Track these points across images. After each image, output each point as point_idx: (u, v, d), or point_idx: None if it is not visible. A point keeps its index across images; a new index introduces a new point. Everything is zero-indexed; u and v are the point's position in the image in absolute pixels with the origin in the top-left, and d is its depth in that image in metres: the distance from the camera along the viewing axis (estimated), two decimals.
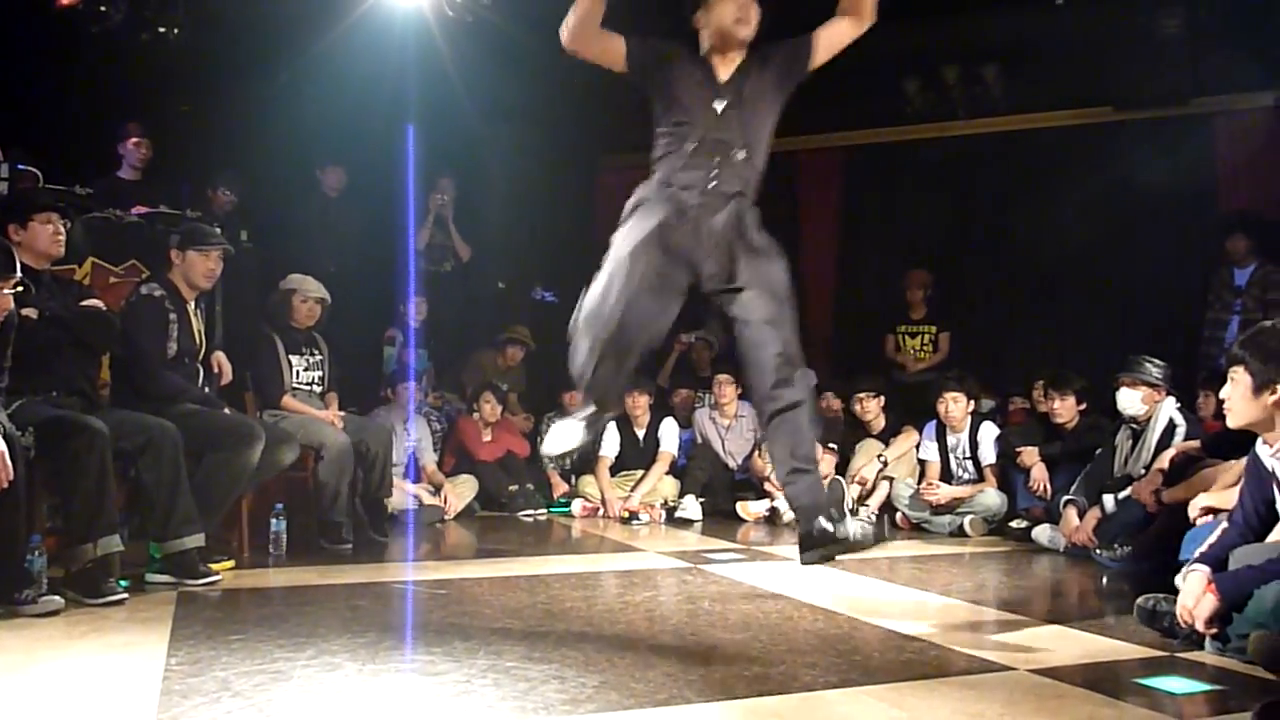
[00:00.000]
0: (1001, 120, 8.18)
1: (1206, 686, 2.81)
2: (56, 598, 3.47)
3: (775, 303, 3.39)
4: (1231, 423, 3.25)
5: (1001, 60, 7.94)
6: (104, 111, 6.55)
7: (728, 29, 3.38)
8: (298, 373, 5.46)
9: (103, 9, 6.22)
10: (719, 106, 3.38)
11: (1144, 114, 7.62)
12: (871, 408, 6.74)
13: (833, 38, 3.42)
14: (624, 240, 3.42)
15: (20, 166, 5.44)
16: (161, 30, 6.50)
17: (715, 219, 3.36)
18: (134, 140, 6.38)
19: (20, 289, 3.57)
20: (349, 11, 6.55)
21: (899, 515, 6.36)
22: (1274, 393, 3.08)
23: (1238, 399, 3.17)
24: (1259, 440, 3.24)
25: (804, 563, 3.43)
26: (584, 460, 6.87)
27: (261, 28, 6.83)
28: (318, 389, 5.53)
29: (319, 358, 5.57)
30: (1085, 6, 7.29)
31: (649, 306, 3.40)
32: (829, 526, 3.30)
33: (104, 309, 4.27)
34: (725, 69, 3.42)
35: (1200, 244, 7.48)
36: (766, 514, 6.53)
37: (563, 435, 3.73)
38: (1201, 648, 3.13)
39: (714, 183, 3.35)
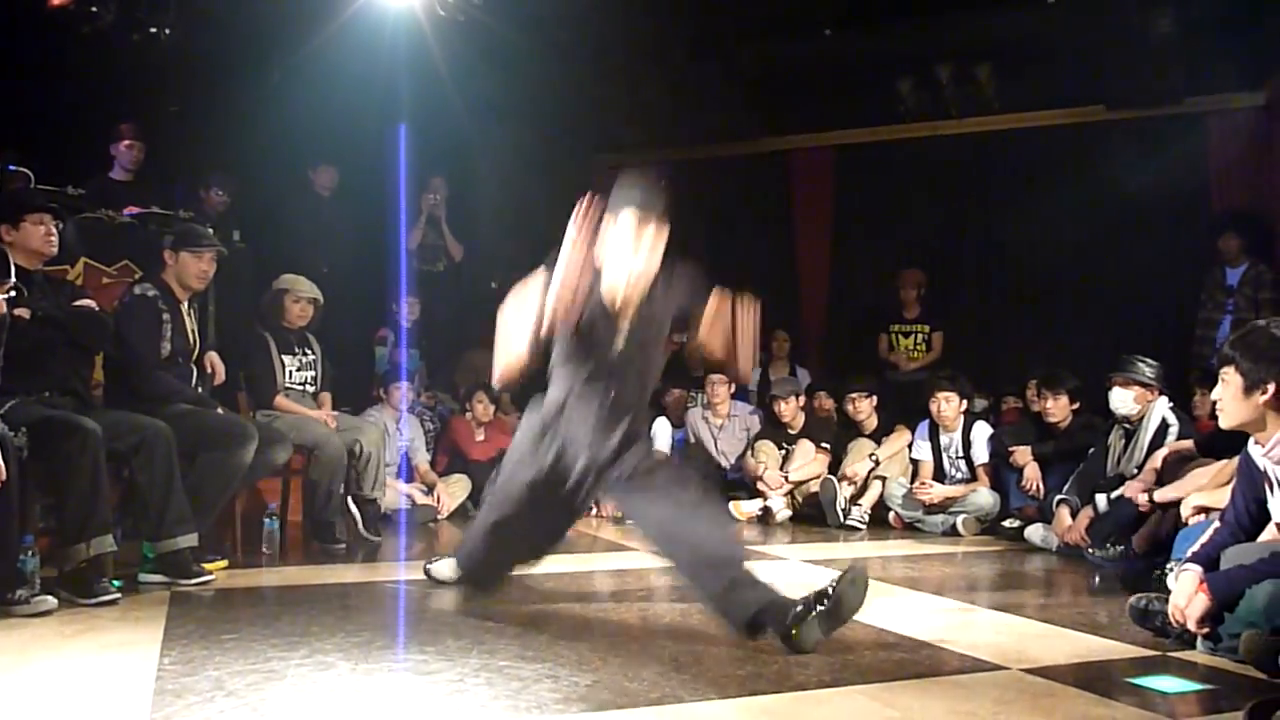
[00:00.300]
0: (994, 119, 8.19)
1: (1198, 686, 2.82)
2: (49, 598, 3.46)
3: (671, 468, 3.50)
4: (1223, 423, 3.25)
5: (994, 60, 7.95)
6: (96, 112, 6.52)
7: (627, 287, 3.34)
8: (290, 373, 5.45)
9: (94, 9, 6.19)
10: (617, 349, 3.39)
11: (1136, 113, 7.63)
12: (864, 407, 6.74)
13: (704, 341, 3.46)
14: (516, 466, 3.47)
15: (12, 167, 5.44)
16: (153, 30, 6.46)
17: (609, 439, 3.28)
18: (126, 142, 6.35)
19: (13, 292, 3.56)
20: (341, 11, 6.53)
21: (892, 514, 6.37)
22: (1265, 392, 3.08)
23: (1229, 399, 3.17)
24: (1250, 440, 3.24)
25: (804, 650, 2.99)
26: None
27: (253, 27, 6.81)
28: (310, 389, 5.53)
29: (312, 358, 5.57)
30: (1078, 6, 7.30)
31: (539, 527, 3.57)
32: (815, 600, 3.00)
33: (97, 309, 4.26)
34: (626, 311, 3.38)
35: (1192, 243, 7.51)
36: (759, 513, 6.54)
37: (441, 572, 4.00)
38: (1193, 647, 3.14)
39: (610, 406, 3.32)
